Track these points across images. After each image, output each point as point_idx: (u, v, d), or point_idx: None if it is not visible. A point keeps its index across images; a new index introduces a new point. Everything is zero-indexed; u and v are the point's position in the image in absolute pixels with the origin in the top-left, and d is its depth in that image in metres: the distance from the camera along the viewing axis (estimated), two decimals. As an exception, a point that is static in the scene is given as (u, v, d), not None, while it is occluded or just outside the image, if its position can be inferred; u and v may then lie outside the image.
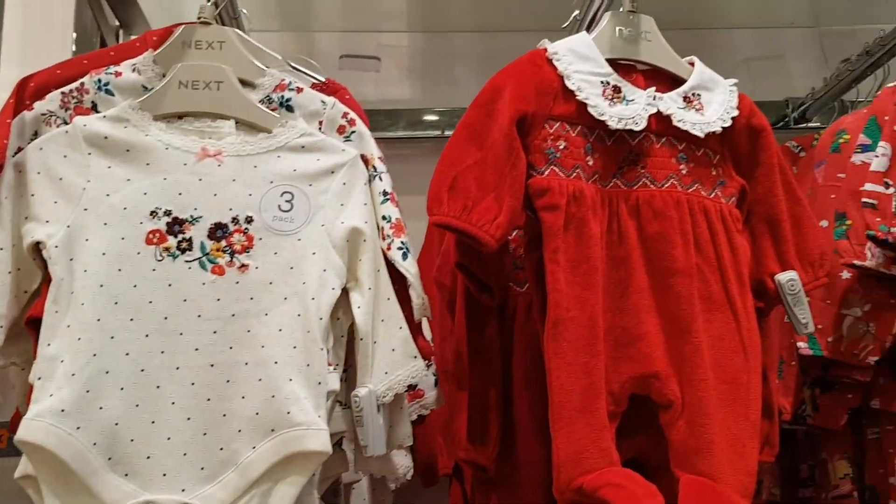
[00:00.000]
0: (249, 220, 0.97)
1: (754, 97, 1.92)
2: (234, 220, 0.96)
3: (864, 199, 1.08)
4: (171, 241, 0.95)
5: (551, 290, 0.96)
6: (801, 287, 1.05)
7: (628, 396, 0.98)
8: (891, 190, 1.07)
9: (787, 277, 1.05)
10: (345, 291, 0.98)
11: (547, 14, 1.24)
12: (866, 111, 1.20)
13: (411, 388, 1.03)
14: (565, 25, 1.26)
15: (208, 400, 0.89)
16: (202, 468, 0.88)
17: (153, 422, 0.88)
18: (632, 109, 1.04)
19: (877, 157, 1.09)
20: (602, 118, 1.02)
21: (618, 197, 1.03)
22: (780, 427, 1.35)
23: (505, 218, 0.95)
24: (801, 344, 1.20)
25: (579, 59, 1.05)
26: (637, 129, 1.03)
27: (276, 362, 0.91)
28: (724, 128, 1.07)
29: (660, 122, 1.06)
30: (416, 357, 0.97)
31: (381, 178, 1.03)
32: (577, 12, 1.28)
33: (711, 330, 0.99)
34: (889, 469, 1.18)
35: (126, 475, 0.85)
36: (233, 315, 0.93)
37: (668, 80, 1.11)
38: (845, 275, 1.18)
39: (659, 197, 1.03)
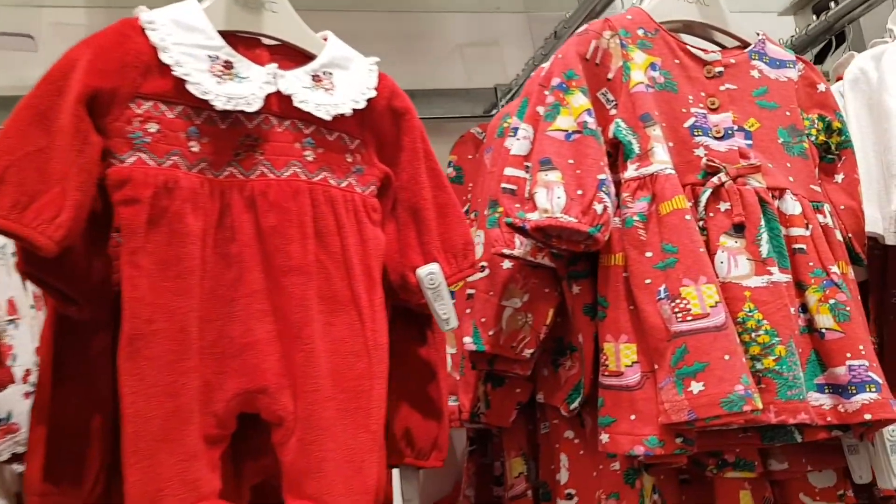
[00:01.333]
0: None
1: (469, 84, 1.90)
2: None
3: (503, 185, 1.01)
4: None
5: (129, 300, 0.81)
6: (441, 280, 0.98)
7: (237, 416, 0.86)
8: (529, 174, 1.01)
9: (426, 271, 0.97)
10: None
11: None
12: (523, 94, 1.15)
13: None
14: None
15: None
16: None
17: None
18: (245, 88, 0.92)
19: (517, 140, 1.03)
20: (206, 97, 0.89)
21: (231, 187, 0.91)
22: (465, 427, 1.30)
23: (69, 216, 0.80)
24: (466, 339, 1.13)
25: (183, 30, 0.91)
26: (250, 110, 0.91)
27: None
28: (356, 110, 0.98)
29: (282, 102, 0.94)
30: (-44, 389, 0.80)
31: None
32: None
33: (331, 333, 0.89)
34: (556, 465, 1.13)
35: None
36: None
37: (299, 58, 1.00)
38: (507, 265, 1.12)
39: (276, 187, 0.92)
